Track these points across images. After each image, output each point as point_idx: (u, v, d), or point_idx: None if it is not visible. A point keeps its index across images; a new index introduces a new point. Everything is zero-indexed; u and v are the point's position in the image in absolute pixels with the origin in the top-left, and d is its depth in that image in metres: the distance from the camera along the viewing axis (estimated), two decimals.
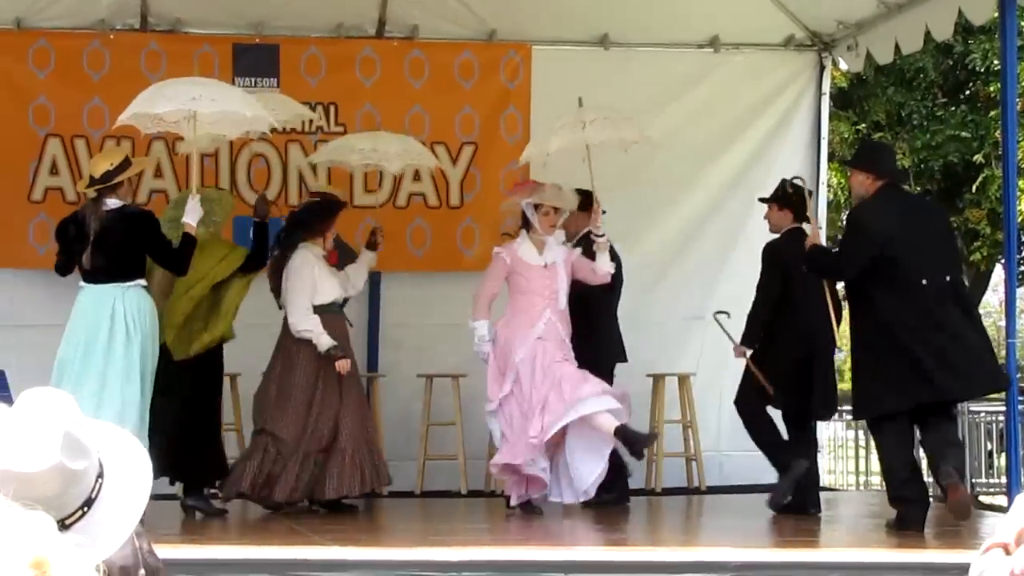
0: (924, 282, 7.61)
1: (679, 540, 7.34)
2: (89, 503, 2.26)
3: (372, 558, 6.32)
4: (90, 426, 2.31)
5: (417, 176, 10.50)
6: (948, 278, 7.75)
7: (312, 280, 8.61)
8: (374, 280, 10.77)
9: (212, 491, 8.67)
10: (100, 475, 2.29)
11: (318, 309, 8.61)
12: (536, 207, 8.62)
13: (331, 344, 8.49)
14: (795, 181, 8.92)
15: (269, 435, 8.51)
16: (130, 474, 2.34)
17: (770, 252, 8.80)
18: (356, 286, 9.01)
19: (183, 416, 8.33)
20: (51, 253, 9.87)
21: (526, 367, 8.33)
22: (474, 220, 10.53)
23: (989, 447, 15.00)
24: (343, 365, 8.49)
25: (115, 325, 7.96)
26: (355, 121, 10.44)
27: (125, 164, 8.28)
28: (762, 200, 9.01)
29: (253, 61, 10.45)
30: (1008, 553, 4.04)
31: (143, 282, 8.14)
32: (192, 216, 8.25)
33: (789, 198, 8.83)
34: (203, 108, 8.14)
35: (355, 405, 8.66)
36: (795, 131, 11.16)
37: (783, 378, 8.58)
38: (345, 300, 8.94)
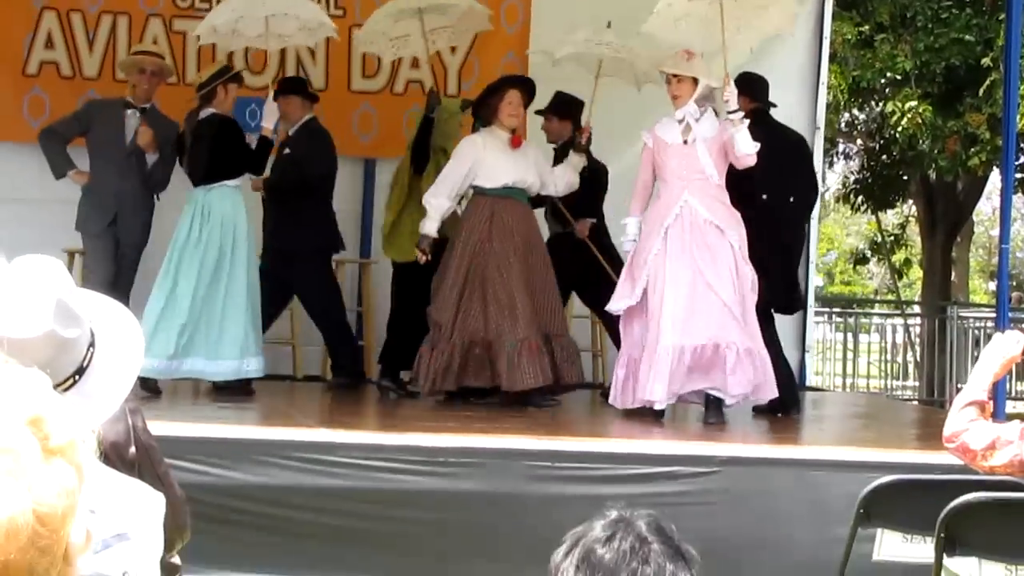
0: (765, 197, 8.19)
1: (666, 434, 7.38)
2: (80, 371, 2.27)
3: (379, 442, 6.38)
4: (83, 295, 2.31)
5: (415, 63, 10.42)
6: (792, 199, 8.47)
7: (469, 162, 8.34)
8: (368, 166, 10.73)
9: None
10: (92, 344, 2.29)
11: (488, 192, 8.38)
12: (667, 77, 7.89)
13: (426, 233, 8.32)
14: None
15: (432, 322, 8.39)
16: (122, 345, 2.35)
17: None
18: (558, 186, 8.62)
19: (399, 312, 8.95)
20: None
21: (654, 275, 7.64)
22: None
23: (976, 353, 15.06)
24: (420, 256, 8.30)
25: (193, 222, 8.28)
26: (354, 7, 10.36)
27: (220, 73, 8.47)
28: (539, 112, 9.01)
29: None
30: (983, 411, 4.08)
31: (232, 183, 8.36)
32: (269, 119, 8.46)
33: (568, 108, 8.96)
34: (276, 16, 8.38)
35: (508, 299, 8.23)
36: (797, 31, 11.03)
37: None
38: (546, 198, 8.76)
